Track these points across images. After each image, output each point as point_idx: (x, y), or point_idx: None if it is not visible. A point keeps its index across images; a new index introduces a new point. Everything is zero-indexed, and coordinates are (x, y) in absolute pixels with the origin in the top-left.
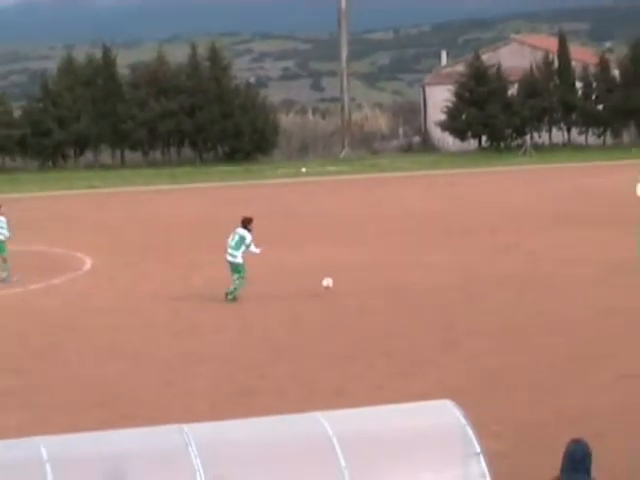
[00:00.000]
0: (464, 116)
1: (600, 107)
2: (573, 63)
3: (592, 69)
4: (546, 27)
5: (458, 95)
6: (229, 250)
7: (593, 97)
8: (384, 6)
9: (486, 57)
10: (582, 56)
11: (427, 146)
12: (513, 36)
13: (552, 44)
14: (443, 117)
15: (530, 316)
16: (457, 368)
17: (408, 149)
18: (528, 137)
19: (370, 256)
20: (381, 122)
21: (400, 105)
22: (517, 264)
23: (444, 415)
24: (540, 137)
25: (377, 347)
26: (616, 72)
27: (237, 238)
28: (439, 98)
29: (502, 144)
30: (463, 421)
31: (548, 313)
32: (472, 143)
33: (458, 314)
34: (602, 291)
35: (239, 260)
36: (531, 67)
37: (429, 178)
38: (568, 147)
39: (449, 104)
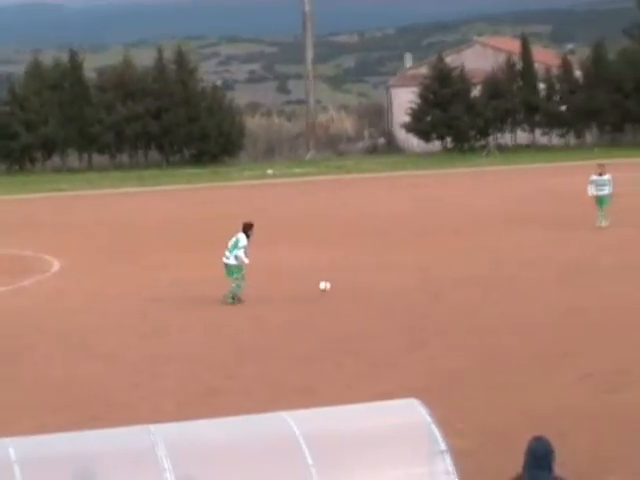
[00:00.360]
0: (428, 118)
1: (563, 108)
2: (536, 65)
3: (554, 71)
4: (509, 29)
5: (422, 97)
6: (226, 252)
7: (556, 98)
8: (349, 9)
9: (450, 59)
10: (544, 58)
11: (392, 147)
12: (476, 38)
13: (515, 46)
14: (408, 119)
15: (494, 317)
16: (423, 368)
17: (373, 151)
18: (492, 138)
19: (337, 257)
20: (346, 124)
21: (365, 107)
22: (481, 265)
23: (410, 414)
24: (503, 138)
25: (344, 348)
26: (578, 73)
27: (234, 241)
28: (404, 100)
29: (466, 145)
30: (428, 419)
31: (512, 314)
32: (436, 144)
33: (423, 315)
34: (565, 291)
35: (232, 262)
36: (494, 69)
37: (394, 179)
38: (531, 148)
39: (413, 106)
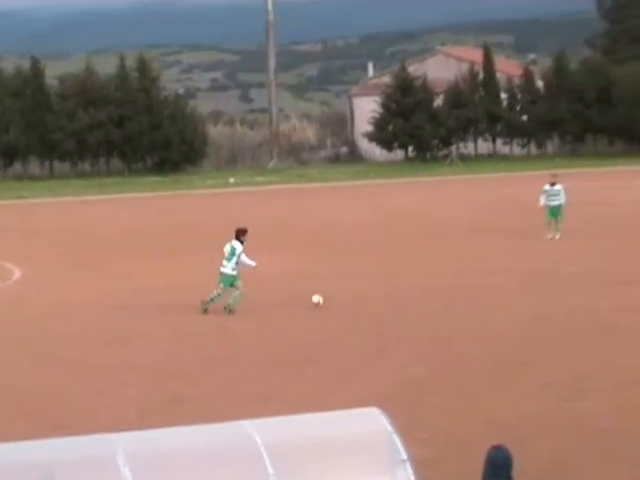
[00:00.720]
0: (391, 127)
1: (524, 118)
2: (498, 75)
3: (516, 81)
4: (471, 39)
5: (385, 106)
6: (223, 261)
7: (517, 108)
8: (312, 18)
9: (412, 68)
10: (506, 68)
11: (354, 156)
12: (439, 48)
13: (477, 56)
14: (370, 128)
15: (457, 326)
16: (385, 376)
17: (336, 159)
18: (454, 147)
19: (299, 266)
20: (309, 133)
21: (328, 116)
22: (444, 274)
23: (371, 423)
24: (466, 147)
25: (306, 355)
26: (540, 83)
27: (229, 249)
28: (366, 109)
29: (428, 154)
30: (389, 428)
31: (475, 323)
32: (399, 153)
33: (386, 323)
34: (527, 301)
35: (227, 271)
36: (457, 79)
37: (357, 188)
38: (493, 157)
39: (376, 115)
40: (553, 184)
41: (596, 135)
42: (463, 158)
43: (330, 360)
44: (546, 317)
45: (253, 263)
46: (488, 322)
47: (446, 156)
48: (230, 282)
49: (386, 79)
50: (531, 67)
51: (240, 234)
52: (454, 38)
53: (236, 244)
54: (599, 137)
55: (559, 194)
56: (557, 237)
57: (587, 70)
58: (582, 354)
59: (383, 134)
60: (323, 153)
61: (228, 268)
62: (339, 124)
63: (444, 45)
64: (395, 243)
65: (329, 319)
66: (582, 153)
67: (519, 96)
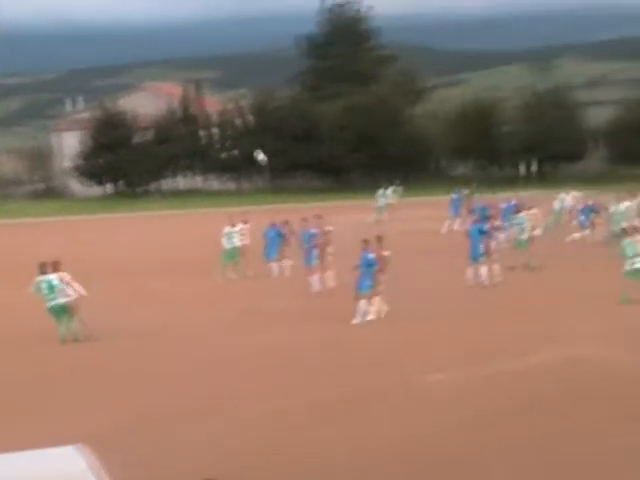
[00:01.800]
0: (95, 161)
1: (233, 153)
2: (205, 109)
3: (222, 116)
4: (181, 74)
5: (89, 141)
6: (51, 296)
7: (223, 144)
8: (17, 51)
9: (119, 103)
10: (213, 104)
11: (58, 192)
12: (145, 83)
13: (184, 91)
14: (74, 163)
15: (173, 360)
16: (99, 414)
17: (39, 195)
18: (159, 183)
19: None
20: (11, 167)
21: (32, 150)
22: (158, 312)
23: (69, 461)
24: (170, 183)
25: (27, 393)
26: (247, 119)
27: (50, 284)
28: (70, 143)
29: (133, 190)
30: (85, 466)
31: (189, 358)
32: (103, 188)
33: (102, 360)
34: (231, 338)
35: (64, 299)
36: (161, 114)
37: (59, 224)
38: (200, 192)
39: (80, 150)
40: (245, 222)
41: (304, 171)
42: (168, 194)
43: (51, 397)
44: (262, 349)
45: (79, 292)
46: (205, 358)
47: (148, 192)
48: (64, 311)
49: (91, 113)
50: (239, 103)
51: (55, 267)
52: (163, 73)
53: (54, 277)
54: (307, 173)
55: (239, 235)
56: (235, 277)
57: (291, 107)
58: (287, 388)
59: (87, 169)
60: (26, 188)
61: (61, 298)
62: (42, 159)
63: (153, 80)
64: (97, 277)
65: (40, 354)
66: (290, 188)
67: (225, 132)
